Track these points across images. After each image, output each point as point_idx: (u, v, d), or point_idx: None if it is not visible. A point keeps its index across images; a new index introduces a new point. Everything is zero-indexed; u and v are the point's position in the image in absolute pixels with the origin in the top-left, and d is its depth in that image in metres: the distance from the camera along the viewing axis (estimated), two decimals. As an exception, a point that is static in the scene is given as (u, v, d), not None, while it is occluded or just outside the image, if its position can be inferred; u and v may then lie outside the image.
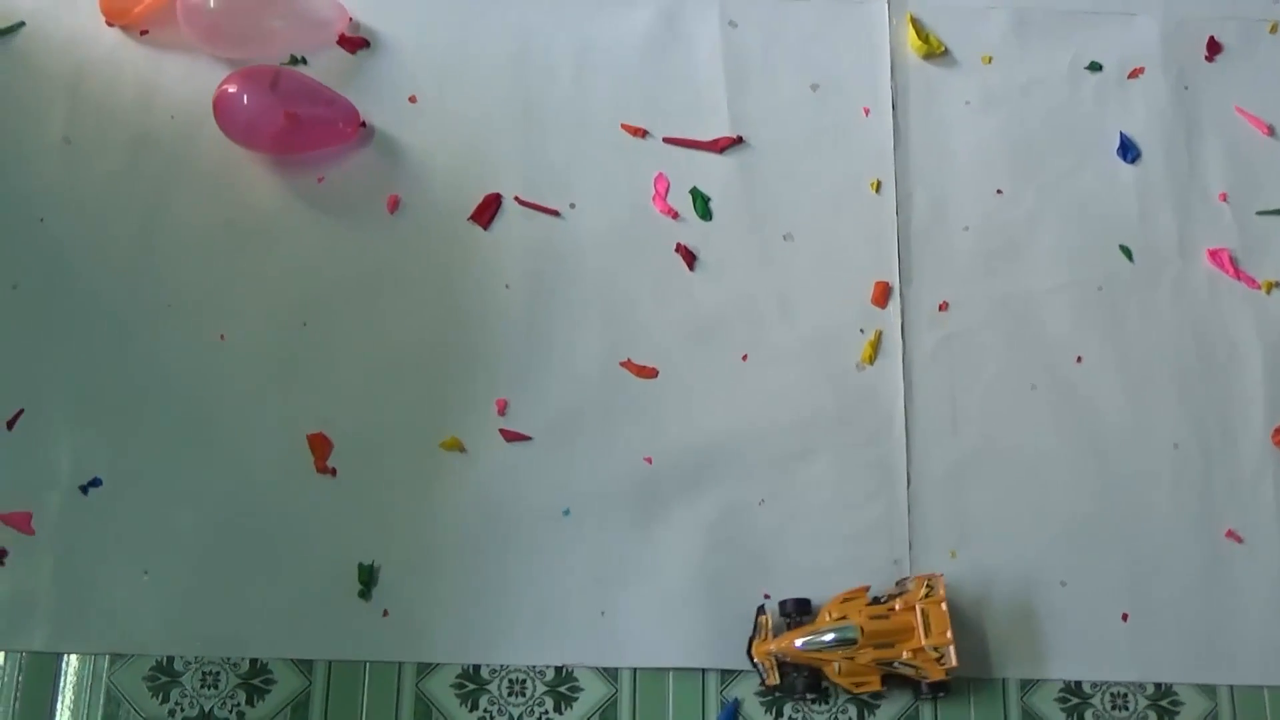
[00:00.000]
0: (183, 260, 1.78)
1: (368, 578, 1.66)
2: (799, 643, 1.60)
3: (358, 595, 1.66)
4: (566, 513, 1.69)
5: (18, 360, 1.73)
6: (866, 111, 1.87)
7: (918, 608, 1.59)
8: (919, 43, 1.89)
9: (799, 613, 1.63)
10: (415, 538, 1.68)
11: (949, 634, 1.57)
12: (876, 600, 1.63)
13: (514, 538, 1.68)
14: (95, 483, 1.68)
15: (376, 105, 1.85)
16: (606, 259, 1.79)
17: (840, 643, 1.59)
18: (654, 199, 1.81)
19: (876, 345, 1.77)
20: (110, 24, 1.87)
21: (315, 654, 1.65)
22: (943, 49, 1.90)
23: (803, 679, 1.61)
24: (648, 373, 1.75)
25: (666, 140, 1.84)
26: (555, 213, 1.81)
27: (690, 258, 1.79)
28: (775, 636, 1.62)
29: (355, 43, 1.88)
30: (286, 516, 1.68)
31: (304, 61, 1.86)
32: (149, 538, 1.68)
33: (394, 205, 1.80)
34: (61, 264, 1.77)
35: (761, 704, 1.65)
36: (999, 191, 1.84)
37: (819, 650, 1.59)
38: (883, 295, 1.79)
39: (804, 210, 1.82)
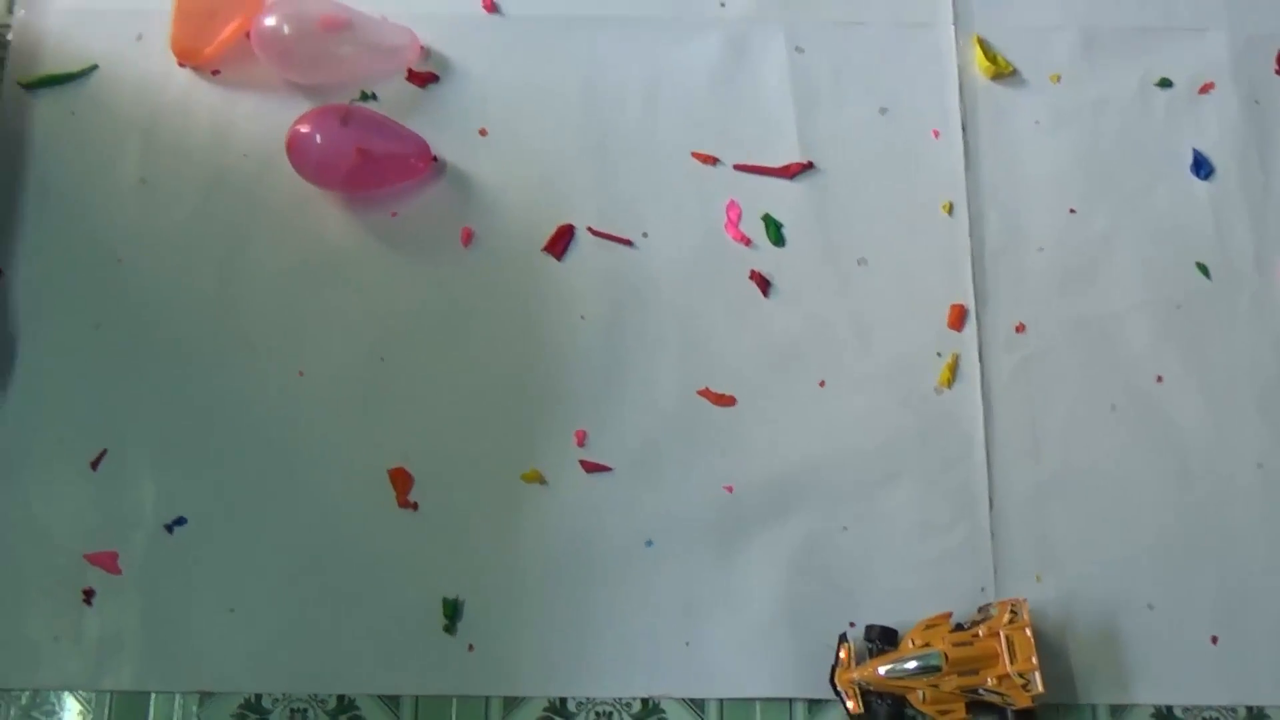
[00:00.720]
0: (260, 298, 1.78)
1: (452, 612, 1.66)
2: (882, 670, 1.59)
3: (443, 630, 1.66)
4: (649, 543, 1.69)
5: (100, 400, 1.74)
6: (936, 134, 1.86)
7: (1002, 634, 1.58)
8: (987, 64, 1.88)
9: (884, 640, 1.63)
10: (498, 571, 1.68)
11: (1034, 660, 1.57)
12: (960, 627, 1.62)
13: (597, 569, 1.68)
14: (180, 521, 1.69)
15: (447, 139, 1.85)
16: (681, 287, 1.79)
17: (924, 670, 1.58)
18: (726, 226, 1.81)
19: (954, 368, 1.76)
20: (182, 65, 1.88)
21: (402, 689, 1.65)
22: (1011, 69, 1.89)
23: (886, 707, 1.61)
24: (726, 401, 1.74)
25: (737, 167, 1.84)
26: (628, 242, 1.81)
27: (764, 284, 1.79)
28: (859, 664, 1.61)
29: (424, 77, 1.88)
30: (370, 551, 1.69)
31: (374, 97, 1.87)
32: (234, 575, 1.68)
33: (467, 238, 1.80)
34: (141, 304, 1.78)
35: (849, 733, 1.64)
36: (1072, 211, 1.83)
37: (903, 678, 1.59)
38: (958, 318, 1.78)
39: (877, 234, 1.82)
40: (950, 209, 1.83)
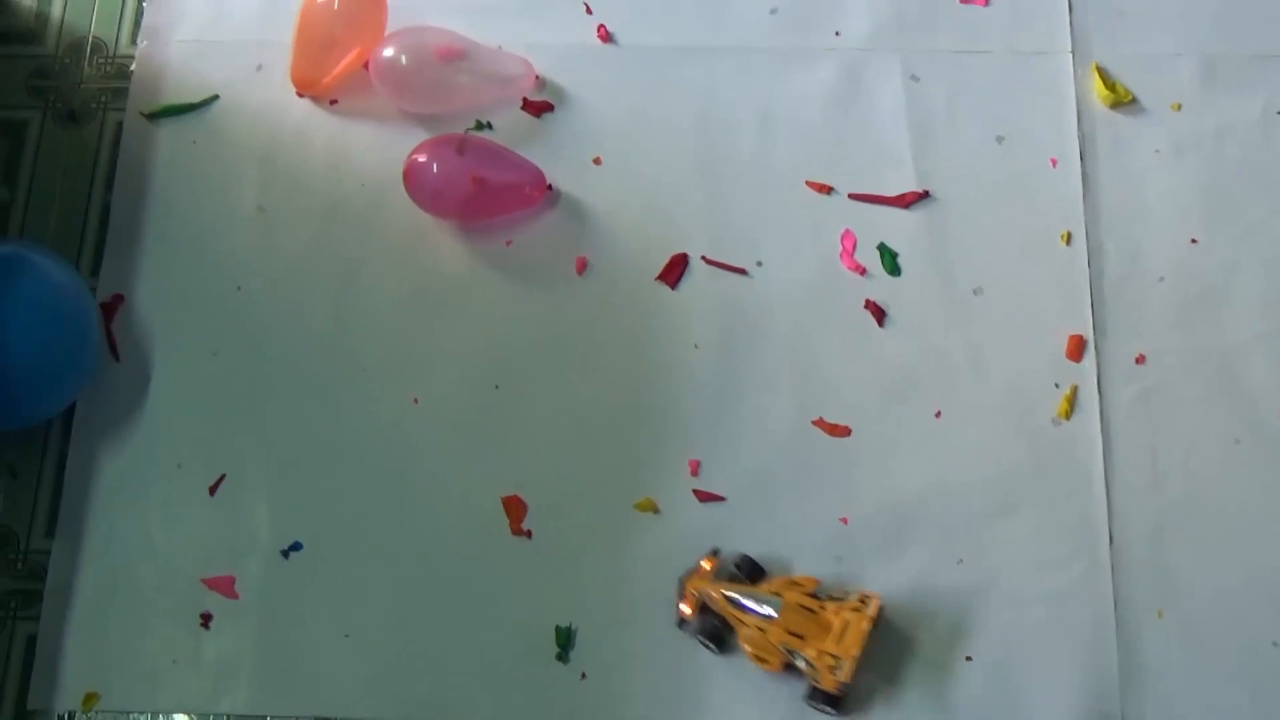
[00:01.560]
0: (375, 325, 1.80)
1: (565, 640, 1.66)
2: (726, 593, 1.61)
3: (555, 658, 1.66)
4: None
5: (218, 426, 1.76)
6: (1054, 162, 1.85)
7: (844, 615, 1.56)
8: (1105, 92, 1.86)
9: (749, 573, 1.66)
10: (612, 599, 1.68)
11: (857, 650, 1.57)
12: (816, 596, 1.61)
13: (710, 599, 1.67)
14: (296, 547, 1.71)
15: (562, 168, 1.86)
16: (795, 317, 1.78)
17: (757, 612, 1.60)
18: (841, 255, 1.80)
19: (1072, 400, 1.74)
20: (301, 95, 1.91)
21: (515, 717, 1.65)
22: (1130, 97, 1.87)
23: (710, 626, 1.63)
24: (840, 431, 1.73)
25: (852, 196, 1.83)
26: (742, 271, 1.80)
27: (880, 314, 1.78)
28: (714, 580, 1.62)
29: (540, 106, 1.89)
30: (483, 578, 1.69)
31: (490, 126, 1.88)
32: (349, 601, 1.69)
33: (582, 267, 1.81)
34: (259, 331, 1.80)
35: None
36: (1193, 241, 1.80)
37: (737, 610, 1.61)
38: (1077, 349, 1.76)
39: (993, 263, 1.80)
40: (1068, 238, 1.81)
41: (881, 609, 1.62)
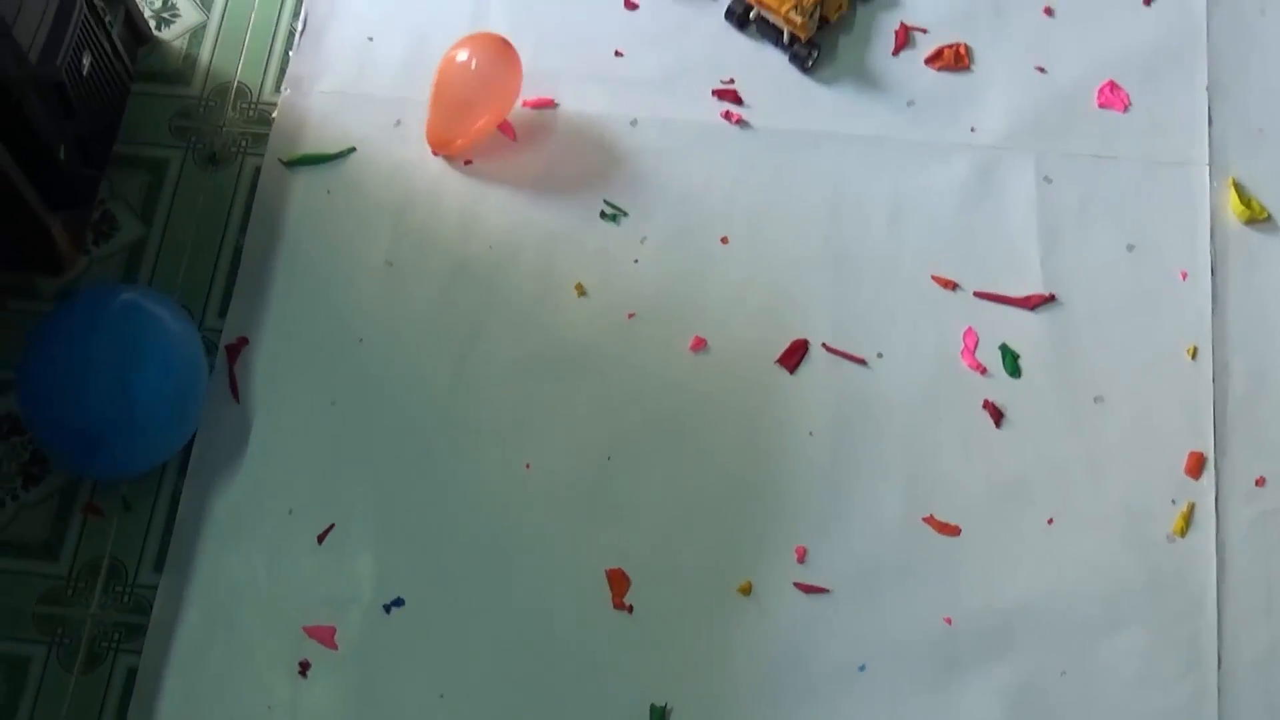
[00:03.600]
0: (493, 387, 1.81)
1: (660, 719, 1.65)
2: None
3: (648, 736, 1.65)
4: (862, 668, 1.67)
5: (331, 475, 1.77)
6: (1184, 275, 1.83)
7: None
8: (1241, 207, 1.84)
9: None
10: (708, 682, 1.67)
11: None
12: None
13: (808, 689, 1.67)
14: (398, 602, 1.71)
15: (688, 244, 1.86)
16: (912, 411, 1.78)
17: None
18: (962, 353, 1.79)
19: (1189, 518, 1.71)
20: (436, 154, 1.93)
21: (605, 791, 1.64)
22: (1266, 214, 1.85)
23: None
24: (950, 530, 1.72)
25: (977, 294, 1.83)
26: (862, 361, 1.80)
27: (997, 415, 1.76)
28: None
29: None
30: (582, 649, 1.69)
31: (624, 214, 1.89)
32: (447, 660, 1.70)
33: (700, 345, 1.81)
34: (377, 384, 1.82)
35: None
36: (1324, 365, 1.77)
37: None
38: (1196, 466, 1.73)
39: (1116, 373, 1.79)
40: (1194, 353, 1.79)
41: None
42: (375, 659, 1.70)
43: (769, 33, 1.95)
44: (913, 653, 1.67)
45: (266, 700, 1.68)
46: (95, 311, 1.67)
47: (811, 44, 1.92)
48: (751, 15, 1.95)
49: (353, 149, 1.94)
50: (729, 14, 1.96)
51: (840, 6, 1.93)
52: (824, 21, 1.92)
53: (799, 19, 1.86)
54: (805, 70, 1.92)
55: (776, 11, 1.88)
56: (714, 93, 1.95)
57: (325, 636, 1.70)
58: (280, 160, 1.94)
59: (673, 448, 1.77)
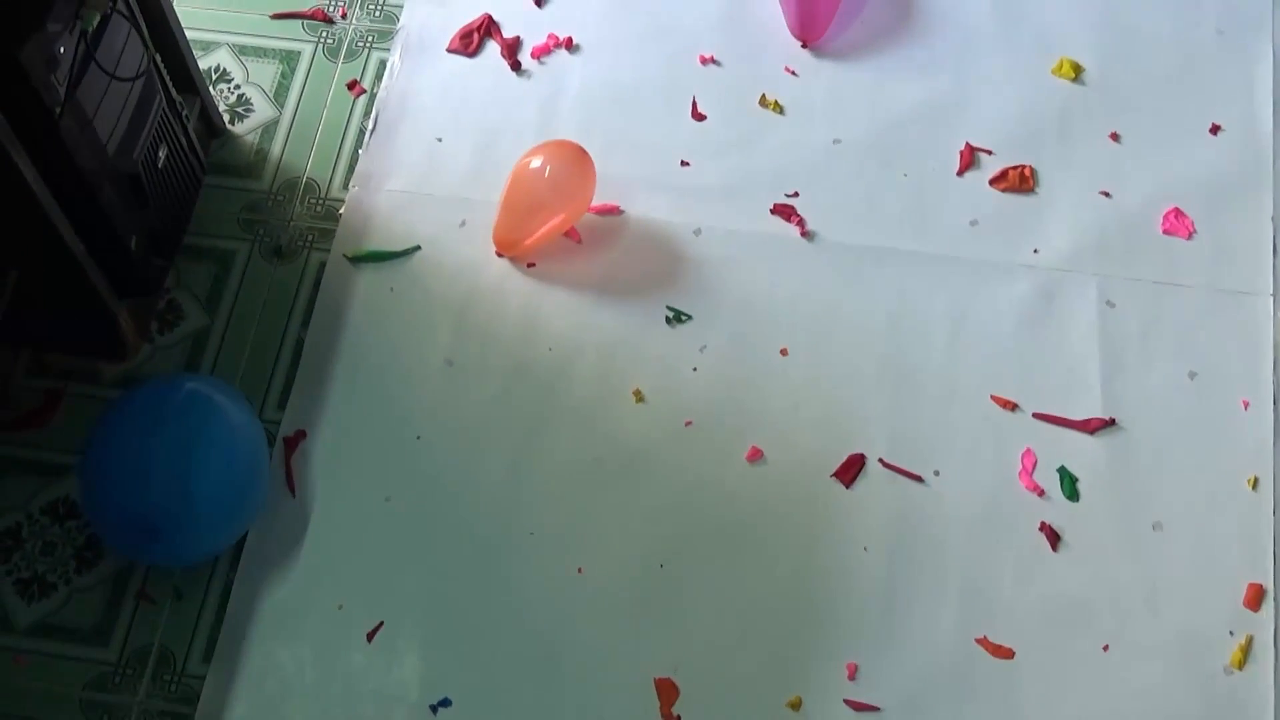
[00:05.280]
0: (549, 490, 1.81)
1: (704, 835, 1.63)
2: None
3: None
4: (912, 791, 1.64)
5: (383, 572, 1.77)
6: (1245, 404, 1.82)
7: None
8: (1304, 338, 1.84)
9: None
10: (755, 799, 1.64)
11: None
12: None
13: (857, 810, 1.64)
14: (445, 703, 1.70)
15: (748, 355, 1.87)
16: (967, 531, 1.77)
17: None
18: (1020, 474, 1.79)
19: (1247, 650, 1.69)
20: (500, 255, 1.95)
21: None
22: (1329, 347, 1.84)
23: None
24: (1004, 653, 1.70)
25: (1036, 416, 1.82)
26: (919, 478, 1.79)
27: (1054, 538, 1.75)
28: None
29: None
30: (629, 760, 1.67)
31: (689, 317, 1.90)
32: (492, 765, 1.67)
33: (757, 455, 1.81)
34: (433, 482, 1.82)
35: None
36: (1387, 501, 1.76)
37: None
38: (1255, 598, 1.72)
39: (1175, 500, 1.77)
40: (1255, 484, 1.78)
41: None
42: (420, 760, 1.68)
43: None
44: (964, 777, 1.64)
45: (314, 797, 1.67)
46: (162, 401, 1.68)
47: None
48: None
49: (417, 247, 1.96)
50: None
51: None
52: None
53: None
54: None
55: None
56: (775, 207, 1.95)
57: (355, 732, 1.69)
58: (345, 256, 1.96)
59: (726, 558, 1.76)
